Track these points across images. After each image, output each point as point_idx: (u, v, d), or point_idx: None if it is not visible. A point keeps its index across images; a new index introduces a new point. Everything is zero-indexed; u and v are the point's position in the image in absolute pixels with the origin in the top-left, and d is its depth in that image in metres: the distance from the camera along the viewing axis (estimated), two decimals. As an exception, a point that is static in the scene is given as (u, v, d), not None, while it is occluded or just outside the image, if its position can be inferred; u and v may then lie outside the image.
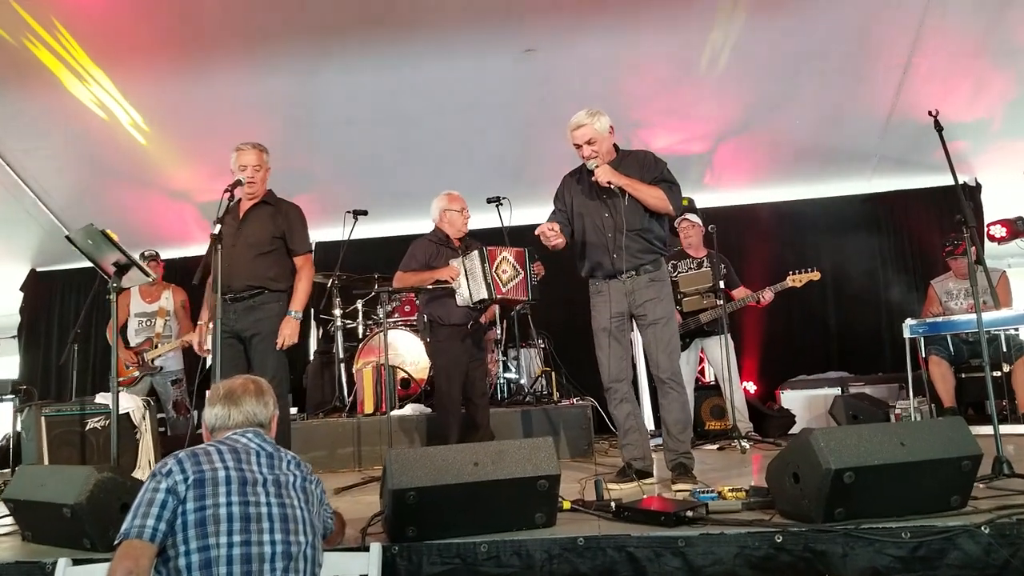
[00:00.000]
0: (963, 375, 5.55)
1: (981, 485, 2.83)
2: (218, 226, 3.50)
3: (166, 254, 8.37)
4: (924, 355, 5.56)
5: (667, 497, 2.98)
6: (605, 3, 5.95)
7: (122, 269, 3.49)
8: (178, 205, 7.92)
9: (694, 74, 6.60)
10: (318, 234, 7.52)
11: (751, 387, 7.52)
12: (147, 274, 3.56)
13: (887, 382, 6.60)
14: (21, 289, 8.43)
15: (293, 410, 6.30)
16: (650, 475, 3.82)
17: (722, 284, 5.69)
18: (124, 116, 6.93)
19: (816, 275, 5.80)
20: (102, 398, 5.04)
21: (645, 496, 2.94)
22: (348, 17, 6.06)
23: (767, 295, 5.86)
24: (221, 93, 6.69)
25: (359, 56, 6.40)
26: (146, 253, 6.31)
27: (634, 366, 4.20)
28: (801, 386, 6.78)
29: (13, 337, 8.50)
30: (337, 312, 6.42)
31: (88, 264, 3.78)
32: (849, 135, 7.13)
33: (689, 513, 2.60)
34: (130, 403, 5.09)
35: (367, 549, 2.47)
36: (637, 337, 4.19)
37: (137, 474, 4.93)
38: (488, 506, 2.63)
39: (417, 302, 5.59)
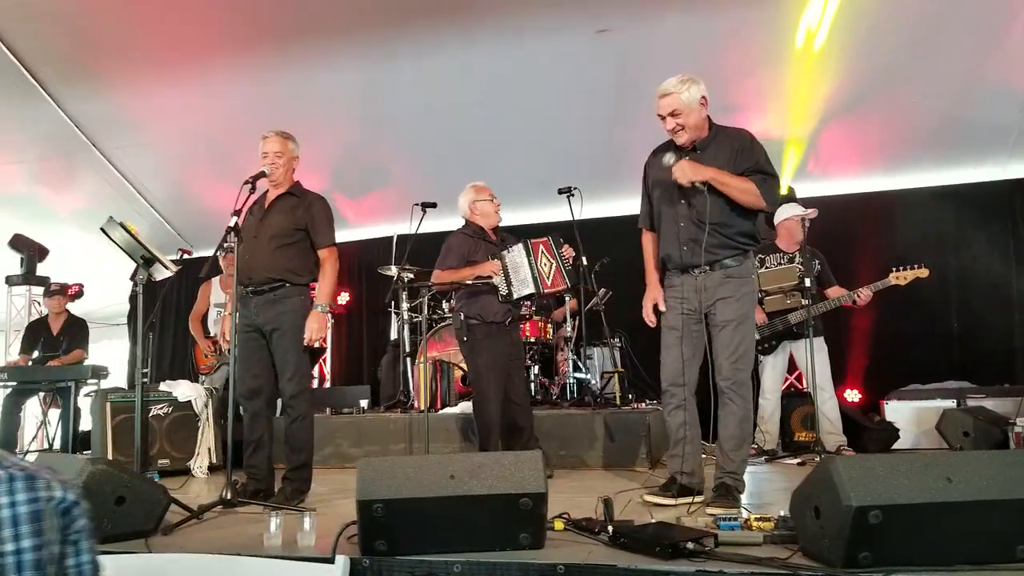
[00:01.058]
0: (1103, 391, 4.74)
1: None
2: (234, 218, 3.42)
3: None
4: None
5: (681, 523, 2.61)
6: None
7: (148, 262, 3.49)
8: (265, 200, 8.10)
9: (790, 49, 6.01)
10: (394, 228, 7.54)
11: (855, 395, 6.83)
12: (167, 267, 3.54)
13: (1015, 395, 5.76)
14: (131, 279, 8.93)
15: (364, 403, 6.29)
16: (696, 492, 3.40)
17: (806, 282, 5.05)
18: (209, 117, 7.16)
19: (924, 272, 5.14)
20: (166, 386, 5.18)
21: (654, 519, 2.58)
22: (415, 6, 5.95)
23: (864, 294, 5.26)
24: (296, 89, 6.77)
25: (429, 46, 6.28)
26: (225, 245, 6.45)
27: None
28: (912, 396, 6.04)
29: (123, 324, 8.98)
30: (404, 306, 6.33)
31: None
32: (981, 111, 6.27)
33: (690, 545, 2.24)
34: (192, 392, 5.22)
35: (333, 561, 2.30)
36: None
37: (194, 463, 5.06)
38: (466, 523, 2.38)
39: (453, 300, 5.37)
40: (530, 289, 4.32)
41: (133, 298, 6.85)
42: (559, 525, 2.55)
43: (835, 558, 2.06)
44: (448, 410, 5.29)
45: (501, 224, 4.78)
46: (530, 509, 2.35)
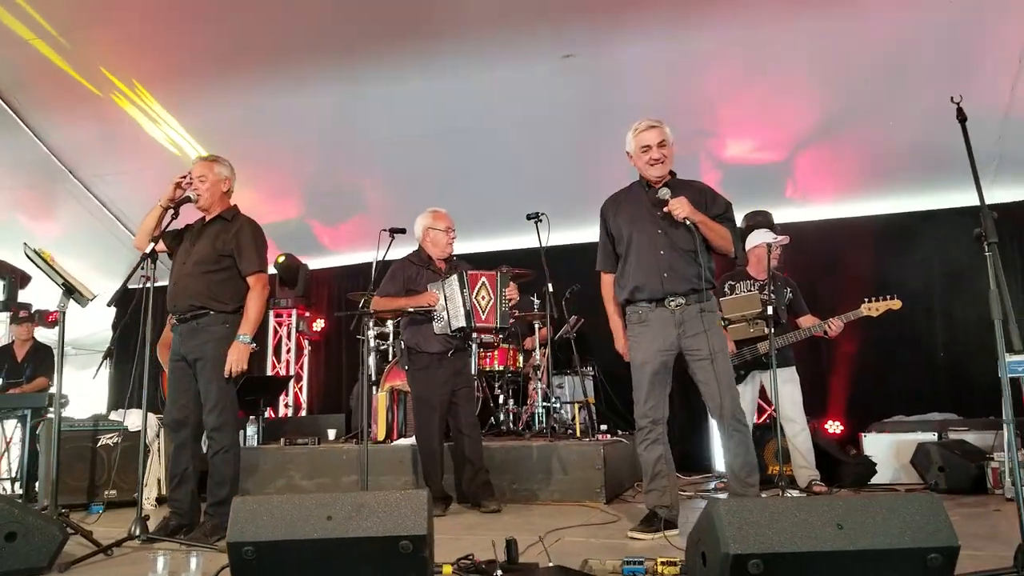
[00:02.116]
0: (1080, 425, 4.53)
1: (977, 585, 2.12)
2: (151, 244, 3.34)
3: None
4: (1027, 398, 4.63)
5: (588, 567, 2.45)
6: (643, 2, 5.44)
7: (69, 290, 3.41)
8: (244, 226, 8.07)
9: (762, 76, 5.92)
10: (373, 255, 7.47)
11: (836, 427, 6.63)
12: (84, 296, 3.44)
13: (999, 428, 5.54)
14: (110, 304, 8.91)
15: (332, 433, 6.18)
16: (674, 526, 3.40)
17: (768, 310, 4.88)
18: (192, 151, 7.18)
19: (896, 304, 4.98)
20: (117, 415, 5.09)
21: (551, 565, 2.43)
22: (381, 32, 5.92)
23: (835, 325, 5.09)
24: (267, 118, 6.79)
25: (396, 71, 6.26)
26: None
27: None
28: (892, 429, 5.83)
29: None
30: (370, 333, 6.22)
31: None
32: (958, 137, 6.11)
33: (573, 593, 2.10)
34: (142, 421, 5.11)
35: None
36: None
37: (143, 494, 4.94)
38: (344, 567, 2.24)
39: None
40: (461, 323, 4.24)
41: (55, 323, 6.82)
42: (447, 569, 2.41)
43: (719, 609, 1.91)
44: (403, 441, 5.16)
45: (467, 252, 4.72)
46: (410, 552, 2.21)
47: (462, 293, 4.23)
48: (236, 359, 3.53)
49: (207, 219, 3.78)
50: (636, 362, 3.51)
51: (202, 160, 3.78)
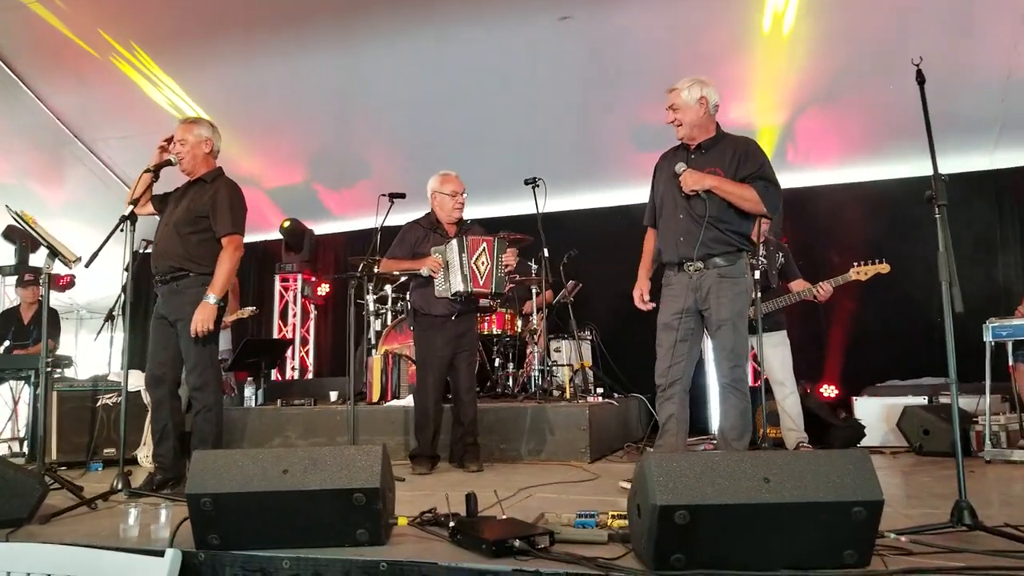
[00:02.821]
0: (1063, 389, 4.53)
1: (903, 538, 2.15)
2: (129, 207, 3.41)
3: (245, 238, 8.76)
4: (1013, 362, 4.63)
5: (532, 521, 2.51)
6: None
7: (53, 252, 3.50)
8: (248, 191, 8.09)
9: (758, 34, 5.84)
10: (377, 221, 7.54)
11: (831, 391, 6.64)
12: (67, 258, 3.52)
13: (992, 392, 5.53)
14: (87, 265, 9.07)
15: (333, 395, 6.30)
16: None
17: (756, 275, 4.89)
18: (191, 112, 7.22)
19: (885, 267, 4.96)
20: (116, 376, 5.23)
21: (503, 517, 2.50)
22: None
23: (824, 289, 5.09)
24: (270, 82, 6.83)
25: (395, 36, 6.28)
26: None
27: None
28: (885, 393, 5.85)
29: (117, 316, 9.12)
30: (370, 298, 6.32)
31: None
32: (961, 101, 6.01)
33: (517, 543, 2.17)
34: (141, 382, 5.25)
35: (163, 554, 2.27)
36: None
37: (140, 452, 5.10)
38: (300, 519, 2.33)
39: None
40: (460, 287, 4.29)
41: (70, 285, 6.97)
42: (403, 521, 2.49)
43: (648, 559, 1.98)
44: (395, 402, 5.27)
45: (474, 217, 4.79)
46: (364, 504, 2.30)
47: (461, 257, 4.29)
48: (201, 319, 3.57)
49: (190, 181, 3.84)
50: (659, 323, 3.62)
51: (182, 123, 3.83)
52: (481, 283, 4.30)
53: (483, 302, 5.33)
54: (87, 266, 3.37)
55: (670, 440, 3.52)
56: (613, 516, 2.46)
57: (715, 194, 3.43)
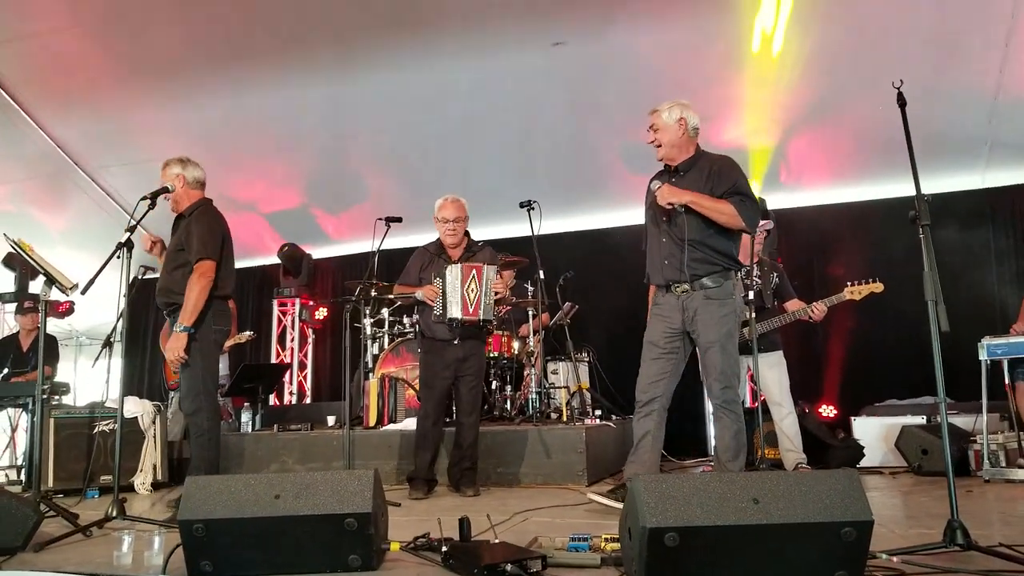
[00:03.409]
0: (1061, 407, 4.53)
1: (895, 559, 2.15)
2: (127, 234, 3.44)
3: (240, 263, 8.77)
4: (1009, 381, 4.63)
5: (538, 544, 2.51)
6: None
7: (50, 280, 3.52)
8: (247, 216, 8.20)
9: (747, 60, 5.91)
10: (374, 244, 7.58)
11: (830, 411, 6.63)
12: (63, 285, 3.55)
13: (990, 411, 5.53)
14: (83, 293, 9.11)
15: (331, 419, 6.29)
16: None
17: (750, 295, 4.90)
18: (190, 141, 7.25)
19: (878, 287, 4.97)
20: (113, 402, 5.22)
21: (497, 541, 2.50)
22: (375, 21, 5.99)
23: (818, 309, 5.09)
24: (269, 107, 6.88)
25: (391, 61, 6.32)
26: (192, 260, 6.55)
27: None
28: (884, 412, 5.85)
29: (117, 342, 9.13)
30: (367, 322, 6.32)
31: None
32: (948, 121, 6.07)
33: (509, 568, 2.17)
34: (138, 408, 5.26)
35: (156, 581, 2.28)
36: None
37: (137, 479, 5.10)
38: (292, 544, 2.33)
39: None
40: (457, 313, 4.31)
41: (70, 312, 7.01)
42: (395, 546, 2.49)
43: (640, 583, 1.98)
44: (392, 426, 5.26)
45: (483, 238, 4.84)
46: (355, 530, 2.30)
47: (454, 284, 4.31)
48: (171, 348, 3.69)
49: (176, 217, 3.94)
50: (645, 340, 3.66)
51: (164, 165, 3.93)
52: (471, 311, 4.32)
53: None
54: (83, 293, 3.40)
55: (643, 456, 3.52)
56: (606, 539, 2.46)
57: (693, 211, 3.45)
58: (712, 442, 7.01)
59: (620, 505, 3.32)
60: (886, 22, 5.53)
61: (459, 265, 4.40)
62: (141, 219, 3.53)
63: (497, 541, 2.46)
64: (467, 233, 4.70)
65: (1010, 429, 4.98)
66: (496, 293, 4.37)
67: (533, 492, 4.45)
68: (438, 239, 4.69)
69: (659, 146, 3.62)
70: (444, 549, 2.39)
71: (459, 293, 4.31)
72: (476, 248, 4.68)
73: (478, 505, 3.97)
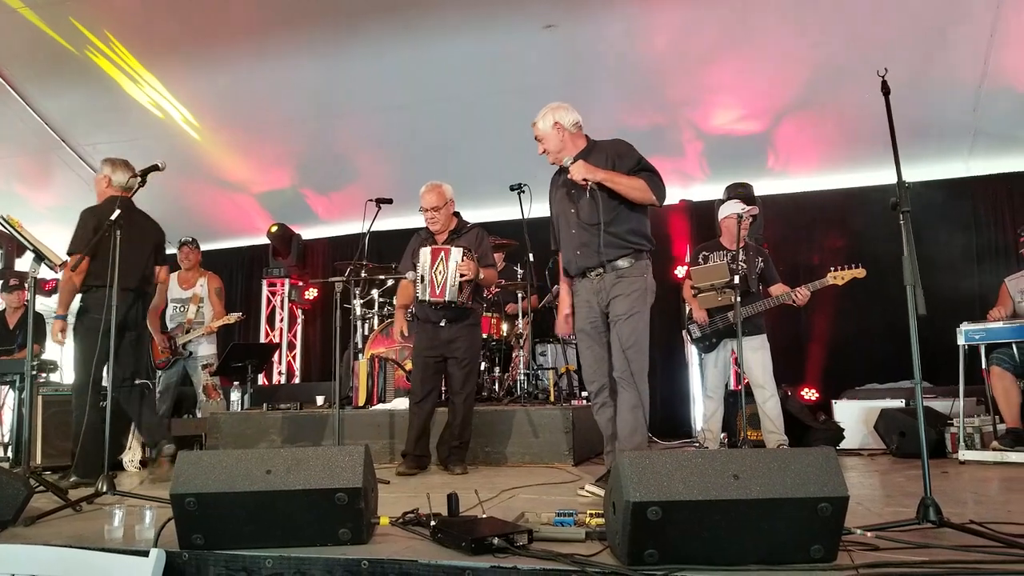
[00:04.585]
0: (1035, 391, 4.63)
1: (869, 534, 2.23)
2: (116, 211, 3.44)
3: (231, 243, 8.78)
4: (985, 365, 4.73)
5: (505, 519, 2.57)
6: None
7: (39, 256, 3.53)
8: (237, 196, 8.20)
9: (738, 44, 5.94)
10: (364, 226, 7.59)
11: (812, 394, 6.74)
12: (52, 262, 3.56)
13: (967, 395, 5.64)
14: (74, 269, 9.08)
15: (320, 399, 6.33)
16: None
17: (735, 279, 4.96)
18: (176, 114, 7.25)
19: (861, 272, 5.05)
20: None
21: (484, 516, 2.56)
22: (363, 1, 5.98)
23: (802, 293, 5.15)
24: (258, 86, 6.85)
25: (381, 41, 6.32)
26: (182, 239, 6.55)
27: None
28: (864, 396, 5.96)
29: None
30: (357, 302, 6.36)
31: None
32: (933, 110, 6.14)
33: (496, 541, 2.22)
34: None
35: (147, 554, 2.31)
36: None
37: (125, 457, 5.12)
38: (283, 518, 2.37)
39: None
40: (426, 295, 4.39)
41: (55, 291, 7.03)
42: (384, 520, 2.54)
43: (623, 555, 2.04)
44: (381, 406, 5.31)
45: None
46: (346, 504, 2.35)
47: (423, 266, 4.38)
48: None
49: None
50: (576, 330, 3.69)
51: None
52: (437, 292, 4.38)
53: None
54: (73, 269, 3.40)
55: (615, 444, 3.52)
56: (591, 515, 2.52)
57: (604, 190, 3.40)
58: (697, 423, 7.14)
59: (603, 493, 3.39)
60: (873, 9, 5.57)
61: (428, 248, 4.46)
62: (132, 195, 3.54)
63: (485, 516, 2.51)
64: (457, 214, 4.74)
65: (986, 413, 5.08)
66: (462, 275, 4.39)
67: (520, 471, 4.52)
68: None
69: (545, 153, 3.65)
70: (433, 524, 2.43)
71: (428, 275, 4.37)
72: (464, 231, 4.71)
73: (466, 483, 4.03)
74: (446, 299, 4.37)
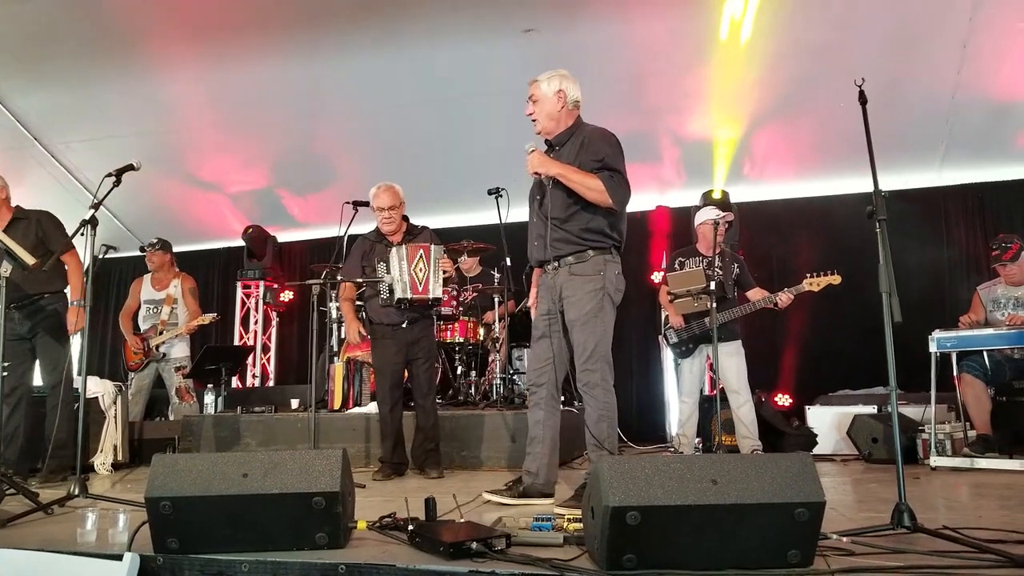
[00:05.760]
0: (1005, 398, 4.71)
1: (845, 539, 2.26)
2: (91, 211, 3.40)
3: (204, 244, 8.68)
4: (956, 373, 4.81)
5: (503, 524, 2.57)
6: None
7: (11, 257, 3.46)
8: (211, 196, 8.11)
9: (715, 51, 6.00)
10: (341, 229, 7.55)
11: (785, 400, 6.80)
12: (25, 262, 3.49)
13: (938, 402, 5.73)
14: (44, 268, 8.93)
15: (294, 402, 6.28)
16: (544, 495, 3.36)
17: (711, 285, 4.99)
18: (154, 115, 7.13)
19: (836, 279, 5.11)
20: (75, 382, 5.14)
21: (462, 520, 2.55)
22: (348, 2, 5.94)
23: (784, 298, 5.21)
24: (234, 83, 6.77)
25: (360, 45, 6.29)
26: (151, 242, 6.46)
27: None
28: (837, 402, 6.02)
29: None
30: (332, 305, 6.32)
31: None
32: (906, 119, 6.23)
33: (475, 545, 2.22)
34: (99, 388, 5.20)
35: (121, 558, 2.28)
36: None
37: (97, 459, 5.04)
38: (259, 522, 2.35)
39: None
40: (405, 293, 4.36)
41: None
42: (362, 525, 2.53)
43: (601, 560, 2.04)
44: (357, 409, 5.28)
45: (441, 226, 4.84)
46: (323, 508, 2.33)
47: (400, 265, 4.35)
48: None
49: None
50: (533, 324, 3.57)
51: None
52: (420, 289, 4.37)
53: (444, 309, 5.39)
54: (44, 269, 3.34)
55: (535, 448, 3.41)
56: (569, 520, 2.52)
57: (560, 186, 3.28)
58: (672, 428, 7.17)
59: (514, 502, 3.26)
60: (849, 19, 5.65)
61: (404, 246, 4.44)
62: (106, 196, 3.49)
63: (463, 521, 2.51)
64: (405, 217, 4.74)
65: (956, 419, 5.16)
66: (444, 272, 4.41)
67: (496, 475, 4.51)
68: (376, 227, 4.70)
69: (535, 119, 3.49)
70: (410, 528, 2.42)
71: (407, 274, 4.35)
72: (416, 231, 4.71)
73: (443, 487, 4.02)
74: (430, 296, 4.36)
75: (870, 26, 5.63)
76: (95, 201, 3.43)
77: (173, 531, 2.33)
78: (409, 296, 4.33)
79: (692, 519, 1.99)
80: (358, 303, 5.07)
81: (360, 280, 4.54)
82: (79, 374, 3.76)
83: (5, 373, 3.99)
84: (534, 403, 3.49)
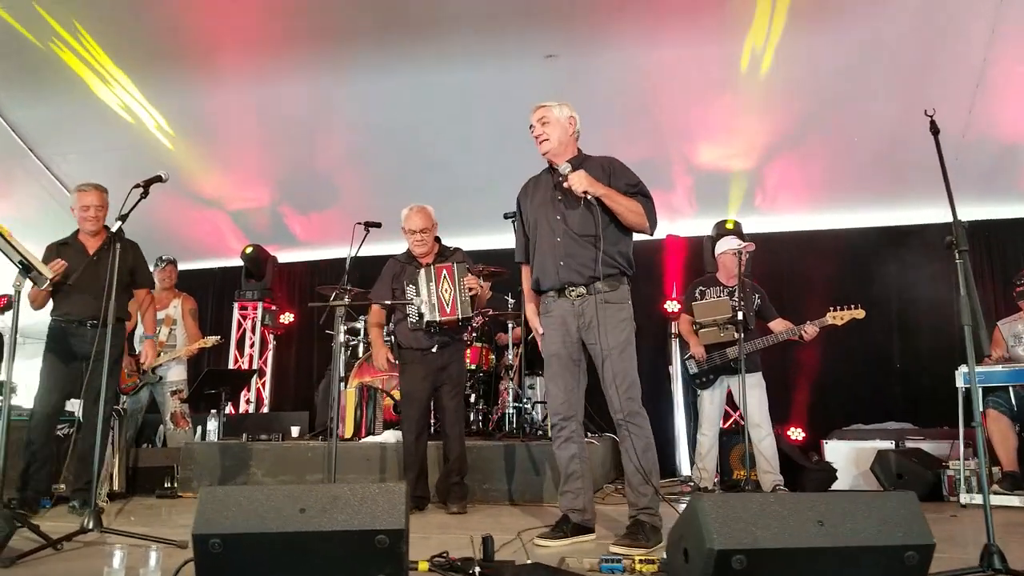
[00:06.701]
0: (1031, 435, 4.66)
1: (948, 586, 2.15)
2: (117, 223, 3.23)
3: (203, 263, 8.45)
4: (981, 408, 4.73)
5: (565, 565, 2.42)
6: (624, 6, 5.46)
7: (26, 268, 3.27)
8: (210, 213, 7.90)
9: (734, 81, 5.99)
10: (343, 251, 7.37)
11: (798, 434, 6.71)
12: (43, 275, 3.30)
13: (954, 437, 5.66)
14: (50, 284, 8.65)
15: (295, 430, 6.07)
16: (589, 531, 3.25)
17: (739, 315, 4.91)
18: (150, 120, 6.97)
19: (860, 313, 5.06)
20: (71, 405, 4.90)
21: (529, 561, 2.40)
22: (365, 23, 5.87)
23: (810, 330, 5.14)
24: (242, 100, 6.64)
25: (377, 65, 6.21)
26: (162, 257, 6.25)
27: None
28: (853, 437, 5.94)
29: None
30: (341, 328, 6.12)
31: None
32: (915, 153, 6.22)
33: (550, 591, 2.07)
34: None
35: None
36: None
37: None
38: (316, 562, 2.18)
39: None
40: (435, 316, 4.24)
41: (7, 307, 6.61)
42: (423, 566, 2.37)
43: (700, 608, 1.90)
44: (371, 439, 5.09)
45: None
46: (387, 547, 2.16)
47: (428, 287, 4.23)
48: None
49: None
50: (546, 353, 3.38)
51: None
52: (448, 311, 4.23)
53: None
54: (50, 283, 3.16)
55: (576, 484, 3.26)
56: (640, 560, 2.38)
57: (599, 206, 3.17)
58: (681, 463, 7.04)
59: (559, 544, 3.09)
60: (864, 57, 5.67)
61: (432, 267, 4.33)
62: (133, 208, 3.32)
63: (530, 562, 2.35)
64: (438, 239, 4.61)
65: (974, 456, 5.08)
66: (470, 290, 4.27)
67: (523, 509, 4.35)
68: (408, 248, 4.57)
69: (546, 140, 3.38)
70: (478, 570, 2.26)
71: (434, 296, 4.22)
72: (448, 253, 4.58)
73: (472, 522, 3.84)
74: (459, 316, 4.22)
75: (884, 65, 5.66)
76: (122, 213, 3.25)
77: (223, 571, 2.15)
78: (438, 319, 4.18)
79: (799, 562, 1.86)
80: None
81: (389, 303, 4.38)
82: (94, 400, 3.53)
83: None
84: (565, 437, 3.32)
